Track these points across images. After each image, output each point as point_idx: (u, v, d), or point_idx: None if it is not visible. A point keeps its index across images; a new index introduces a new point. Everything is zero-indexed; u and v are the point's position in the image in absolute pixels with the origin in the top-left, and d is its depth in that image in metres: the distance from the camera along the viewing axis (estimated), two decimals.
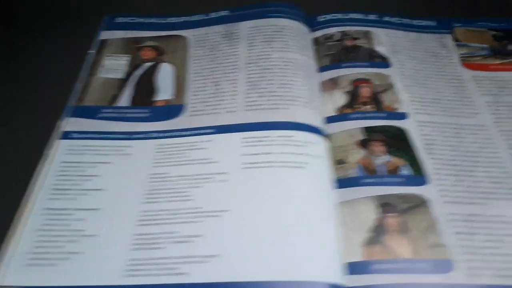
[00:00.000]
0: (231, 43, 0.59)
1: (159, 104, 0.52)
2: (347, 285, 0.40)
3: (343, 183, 0.46)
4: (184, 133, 0.49)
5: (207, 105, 0.52)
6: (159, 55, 0.59)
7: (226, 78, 0.54)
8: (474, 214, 0.44)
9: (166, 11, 0.67)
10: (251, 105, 0.50)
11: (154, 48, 0.60)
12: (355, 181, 0.46)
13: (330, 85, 0.55)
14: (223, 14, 0.65)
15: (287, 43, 0.58)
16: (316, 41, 0.62)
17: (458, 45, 0.62)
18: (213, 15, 0.65)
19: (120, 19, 0.65)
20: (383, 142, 0.48)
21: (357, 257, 0.41)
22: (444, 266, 0.41)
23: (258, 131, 0.47)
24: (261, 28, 0.60)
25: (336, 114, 0.53)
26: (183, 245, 0.40)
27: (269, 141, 0.46)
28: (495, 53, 0.61)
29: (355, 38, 0.61)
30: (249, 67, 0.54)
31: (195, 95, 0.54)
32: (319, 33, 0.63)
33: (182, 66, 0.58)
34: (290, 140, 0.48)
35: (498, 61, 0.59)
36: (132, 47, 0.59)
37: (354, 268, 0.41)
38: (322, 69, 0.58)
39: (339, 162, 0.47)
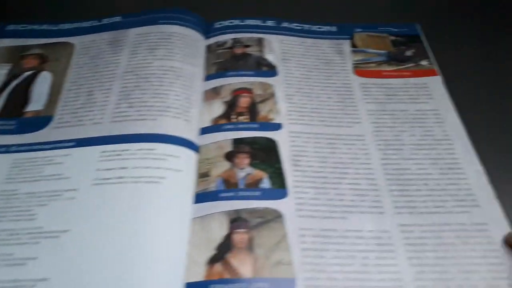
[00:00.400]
0: (114, 51, 0.57)
1: (28, 115, 0.50)
2: None
3: (202, 197, 0.44)
4: (44, 146, 0.47)
5: (74, 117, 0.51)
6: (42, 63, 0.57)
7: (100, 88, 0.52)
8: (330, 229, 0.43)
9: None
10: (119, 116, 0.48)
11: (39, 56, 0.58)
12: (214, 196, 0.44)
13: (212, 94, 0.53)
14: (115, 20, 0.62)
15: (171, 51, 0.56)
16: (209, 49, 0.59)
17: (354, 52, 0.60)
18: (105, 21, 0.62)
19: (11, 27, 0.63)
20: (248, 154, 0.46)
21: (198, 277, 0.39)
22: (285, 285, 0.40)
23: (119, 144, 0.45)
24: (148, 35, 0.58)
25: (211, 125, 0.50)
26: (15, 268, 0.38)
27: (127, 154, 0.44)
28: (391, 59, 0.59)
29: (247, 46, 0.59)
30: (126, 76, 0.51)
31: (65, 105, 0.52)
32: (212, 40, 0.60)
33: (61, 75, 0.55)
34: (150, 153, 0.46)
35: (392, 68, 0.58)
36: (16, 55, 0.56)
37: None
38: (208, 77, 0.55)
39: (203, 176, 0.45)
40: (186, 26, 0.61)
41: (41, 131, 0.50)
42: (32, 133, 0.50)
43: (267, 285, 0.39)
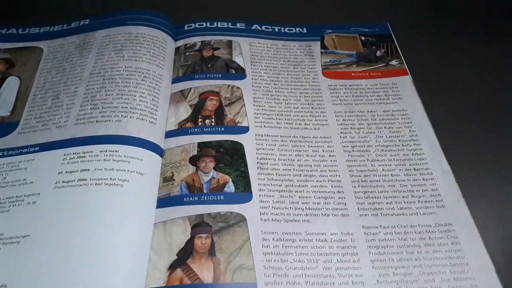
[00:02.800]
0: (82, 54, 0.57)
1: None
2: None
3: (166, 202, 0.44)
4: (9, 153, 0.46)
5: (40, 121, 0.50)
6: (9, 68, 0.56)
7: (66, 91, 0.52)
8: (293, 232, 0.43)
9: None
10: (83, 118, 0.48)
11: (5, 60, 0.57)
12: (177, 200, 0.44)
13: (178, 97, 0.53)
14: (83, 23, 0.61)
15: (138, 52, 0.55)
16: (177, 51, 0.59)
17: (324, 53, 0.59)
18: (74, 24, 0.61)
19: None
20: (213, 158, 0.46)
21: (158, 283, 0.39)
22: None
23: (82, 146, 0.45)
24: (115, 37, 0.57)
25: (177, 128, 0.49)
26: None
27: (90, 156, 0.44)
28: (361, 59, 0.58)
29: (215, 48, 0.58)
30: (92, 78, 0.51)
31: (31, 110, 0.52)
32: (181, 42, 0.60)
33: (28, 80, 0.55)
34: (113, 155, 0.45)
35: (362, 68, 0.57)
36: None
37: None
38: (176, 80, 0.55)
39: (167, 180, 0.45)
40: (154, 27, 0.60)
41: (6, 137, 0.50)
42: None
43: None
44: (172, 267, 0.40)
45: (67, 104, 0.51)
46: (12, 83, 0.55)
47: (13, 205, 0.43)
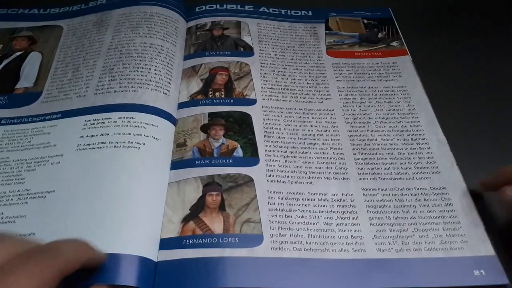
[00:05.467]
0: (100, 31, 0.61)
1: (18, 91, 0.53)
2: (156, 259, 0.42)
3: (179, 164, 0.47)
4: (33, 119, 0.51)
5: (61, 91, 0.54)
6: (32, 44, 0.60)
7: (85, 65, 0.55)
8: (297, 192, 0.47)
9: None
10: (102, 89, 0.52)
11: (28, 38, 0.61)
12: (189, 163, 0.47)
13: (190, 72, 0.57)
14: (100, 2, 0.66)
15: (153, 29, 0.59)
16: (188, 31, 0.63)
17: (328, 34, 0.63)
18: (91, 4, 0.66)
19: (1, 11, 0.65)
20: (222, 126, 0.50)
21: (173, 233, 0.43)
22: (253, 240, 0.43)
23: (101, 114, 0.48)
24: (131, 15, 0.60)
25: (189, 100, 0.53)
26: (5, 226, 0.42)
27: (109, 122, 0.48)
28: (363, 41, 0.62)
29: (225, 28, 0.62)
30: (110, 52, 0.55)
31: (53, 82, 0.55)
32: (192, 23, 0.64)
33: (49, 55, 0.59)
34: (130, 121, 0.48)
35: (363, 49, 0.61)
36: (6, 37, 0.60)
37: (168, 243, 0.43)
38: (187, 57, 0.59)
39: (180, 145, 0.49)
40: (168, 7, 0.64)
41: (30, 106, 0.54)
42: (22, 107, 0.53)
43: (236, 239, 0.42)
44: (185, 220, 0.43)
45: (87, 76, 0.55)
46: (34, 57, 0.59)
47: (38, 165, 0.47)
